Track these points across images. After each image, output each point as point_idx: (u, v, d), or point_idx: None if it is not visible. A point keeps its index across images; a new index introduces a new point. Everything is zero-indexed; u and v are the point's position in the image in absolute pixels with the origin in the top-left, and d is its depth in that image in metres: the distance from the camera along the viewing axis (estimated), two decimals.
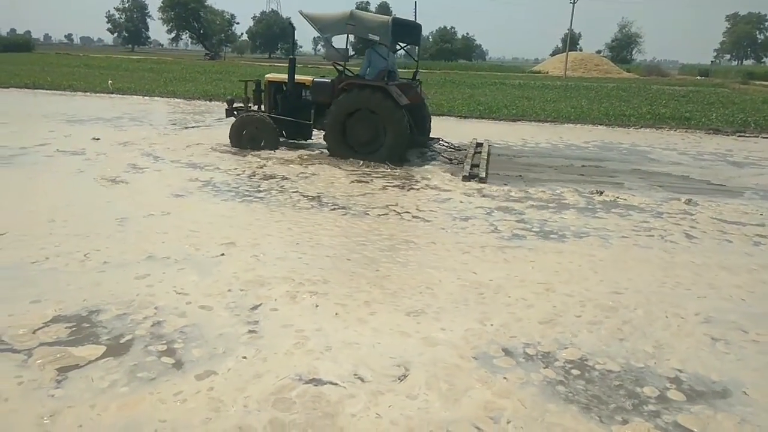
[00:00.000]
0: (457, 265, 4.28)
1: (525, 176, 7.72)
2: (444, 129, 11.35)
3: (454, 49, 74.37)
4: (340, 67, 8.52)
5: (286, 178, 6.97)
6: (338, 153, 8.20)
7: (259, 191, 6.32)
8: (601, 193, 6.74)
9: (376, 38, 8.00)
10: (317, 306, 3.48)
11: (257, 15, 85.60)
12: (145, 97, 16.69)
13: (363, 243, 4.69)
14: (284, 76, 8.90)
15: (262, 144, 8.58)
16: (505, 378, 2.79)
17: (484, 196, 6.53)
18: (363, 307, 3.50)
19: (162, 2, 72.03)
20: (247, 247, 4.47)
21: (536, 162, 8.90)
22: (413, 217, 5.55)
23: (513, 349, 3.08)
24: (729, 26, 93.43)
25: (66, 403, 2.48)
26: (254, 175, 7.09)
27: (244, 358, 2.87)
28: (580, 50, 66.72)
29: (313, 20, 8.34)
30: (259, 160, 7.98)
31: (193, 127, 11.36)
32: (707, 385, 2.81)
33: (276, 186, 6.57)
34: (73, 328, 3.11)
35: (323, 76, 9.16)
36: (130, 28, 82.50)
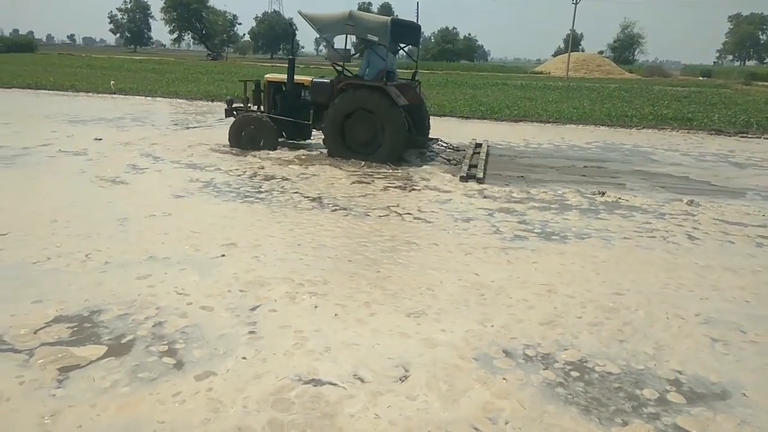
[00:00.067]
0: (459, 266, 4.28)
1: (527, 177, 7.71)
2: (446, 129, 11.35)
3: (456, 49, 74.38)
4: (338, 68, 8.54)
5: (287, 179, 6.98)
6: (337, 153, 8.22)
7: (261, 192, 6.33)
8: (603, 193, 6.73)
9: (375, 39, 8.02)
10: (316, 307, 3.49)
11: (259, 15, 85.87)
12: (147, 98, 16.73)
13: (365, 244, 4.69)
14: (283, 77, 8.92)
15: (261, 144, 8.59)
16: (504, 379, 2.79)
17: (485, 197, 6.53)
18: (363, 308, 3.50)
19: (164, 3, 72.22)
20: (248, 248, 4.48)
21: (538, 163, 8.90)
22: (415, 218, 5.55)
23: (513, 350, 3.08)
24: (731, 27, 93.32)
25: (67, 402, 2.48)
26: (255, 176, 7.10)
27: (244, 358, 2.88)
28: (582, 51, 66.74)
29: (312, 20, 8.36)
30: (259, 160, 7.99)
31: (194, 127, 11.39)
32: (707, 387, 2.81)
33: (277, 187, 6.58)
34: (75, 328, 3.12)
35: (322, 77, 9.17)
36: (133, 29, 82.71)
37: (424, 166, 8.12)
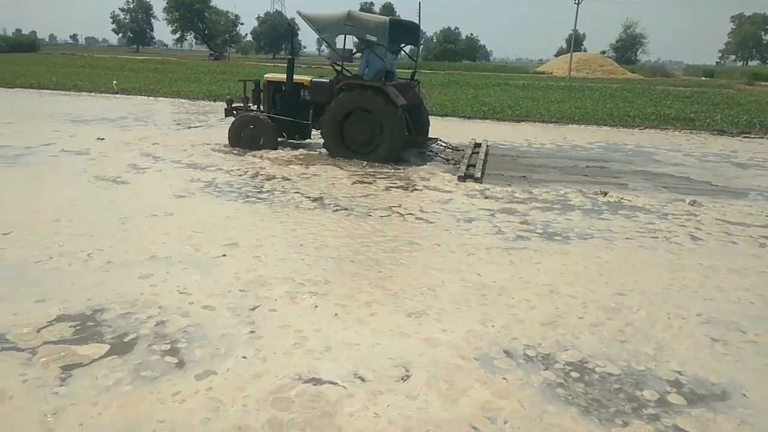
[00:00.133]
0: (462, 266, 4.28)
1: (529, 177, 7.71)
2: (448, 129, 11.36)
3: (458, 49, 74.36)
4: (338, 67, 8.56)
5: (288, 179, 6.99)
6: (336, 153, 8.24)
7: (262, 192, 6.34)
8: (606, 193, 6.72)
9: (374, 39, 8.04)
10: (316, 306, 3.49)
11: (261, 15, 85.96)
12: (150, 98, 16.76)
13: (367, 244, 4.69)
14: (283, 76, 8.95)
15: (261, 143, 8.61)
16: (504, 379, 2.80)
17: (487, 197, 6.52)
18: (363, 307, 3.51)
19: (167, 3, 72.33)
20: (250, 247, 4.49)
21: (540, 163, 8.89)
22: (417, 218, 5.55)
23: (513, 350, 3.08)
24: (734, 27, 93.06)
25: (69, 400, 2.50)
26: (257, 176, 7.11)
27: (244, 357, 2.88)
28: (585, 51, 66.66)
29: (311, 21, 8.39)
30: (259, 160, 8.00)
31: (196, 127, 11.41)
32: (707, 388, 2.81)
33: (278, 187, 6.59)
34: (77, 327, 3.13)
35: (321, 76, 9.19)
36: (135, 29, 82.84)
37: (424, 166, 8.13)
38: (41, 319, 3.18)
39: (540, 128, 13.24)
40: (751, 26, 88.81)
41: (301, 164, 7.87)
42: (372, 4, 79.28)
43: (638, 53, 75.76)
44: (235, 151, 8.54)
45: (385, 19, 8.08)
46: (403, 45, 9.41)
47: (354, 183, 6.96)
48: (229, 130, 8.86)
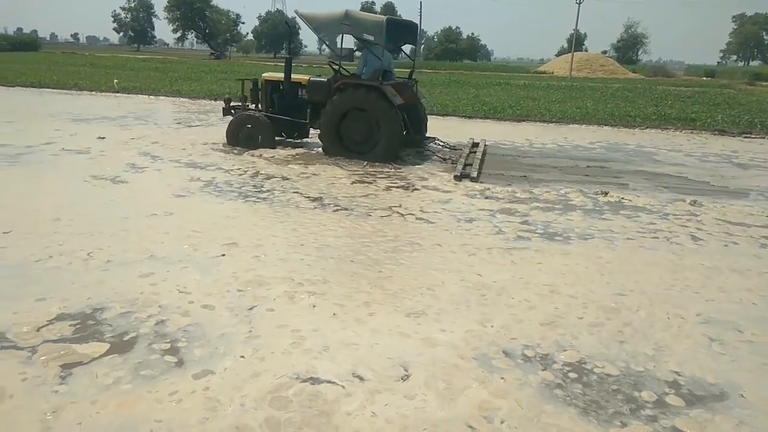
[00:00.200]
0: (462, 266, 4.28)
1: (529, 177, 7.71)
2: (448, 129, 11.36)
3: (459, 49, 74.31)
4: (335, 67, 8.58)
5: (287, 179, 6.99)
6: (333, 152, 8.25)
7: (262, 191, 6.34)
8: (606, 193, 6.72)
9: (371, 38, 8.04)
10: (314, 306, 3.49)
11: (262, 15, 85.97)
12: (151, 97, 16.77)
13: (367, 244, 4.69)
14: (281, 76, 8.97)
15: (259, 142, 8.63)
16: (502, 378, 2.80)
17: (487, 197, 6.52)
18: (362, 307, 3.51)
19: (168, 2, 72.40)
20: (250, 247, 4.49)
21: (541, 162, 8.89)
22: (417, 218, 5.55)
23: (512, 350, 3.08)
24: (735, 27, 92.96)
25: (69, 399, 2.50)
26: (257, 175, 7.11)
27: (242, 357, 2.89)
28: (586, 51, 66.57)
29: (308, 20, 8.40)
30: (259, 159, 8.01)
31: (197, 126, 11.41)
32: (706, 389, 2.80)
33: (278, 186, 6.59)
34: (78, 326, 3.13)
35: (319, 75, 9.20)
36: (136, 28, 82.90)
37: (422, 165, 8.13)
38: (41, 318, 3.19)
39: (541, 128, 13.23)
40: (752, 26, 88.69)
41: (300, 164, 7.87)
42: (373, 3, 79.24)
43: (639, 53, 75.83)
44: (234, 151, 8.54)
45: (383, 18, 8.09)
46: (401, 44, 9.43)
47: (354, 183, 6.96)
48: (227, 129, 8.89)
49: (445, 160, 8.44)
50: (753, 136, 12.72)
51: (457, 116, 14.56)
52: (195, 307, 3.41)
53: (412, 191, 6.72)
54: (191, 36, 79.34)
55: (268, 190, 6.38)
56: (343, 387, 2.66)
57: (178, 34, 76.85)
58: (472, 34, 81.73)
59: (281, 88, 8.92)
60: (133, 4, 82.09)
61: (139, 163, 7.56)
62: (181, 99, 16.63)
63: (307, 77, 9.00)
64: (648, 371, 2.93)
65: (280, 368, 2.79)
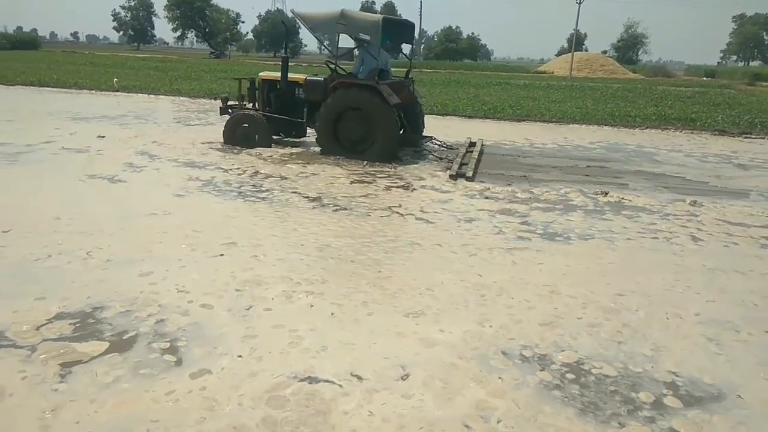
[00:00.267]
0: (463, 267, 4.28)
1: (529, 177, 7.71)
2: (448, 129, 11.36)
3: (459, 48, 74.23)
4: (332, 66, 8.58)
5: (286, 178, 6.99)
6: (330, 151, 8.26)
7: (261, 191, 6.34)
8: (606, 193, 6.72)
9: (367, 38, 8.04)
10: (312, 306, 3.49)
11: (262, 14, 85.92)
12: (150, 96, 16.75)
13: (368, 245, 4.69)
14: (278, 75, 8.97)
15: (256, 141, 8.64)
16: (500, 378, 2.80)
17: (487, 197, 6.52)
18: (361, 307, 3.51)
19: (168, 1, 72.25)
20: (249, 247, 4.49)
21: (541, 162, 8.89)
22: (417, 218, 5.55)
23: (510, 350, 3.08)
24: (736, 27, 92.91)
25: (68, 397, 2.51)
26: (256, 175, 7.11)
27: (240, 356, 2.89)
28: (586, 50, 66.50)
29: (304, 19, 8.40)
30: (258, 159, 8.01)
31: (196, 124, 11.41)
32: (704, 389, 2.81)
33: (277, 186, 6.59)
34: (77, 325, 3.14)
35: (316, 75, 9.21)
36: (136, 27, 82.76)
37: (419, 165, 8.13)
38: (41, 317, 3.19)
39: (541, 128, 13.23)
40: (752, 26, 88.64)
41: (299, 163, 7.87)
42: (373, 2, 79.21)
43: (639, 53, 75.72)
44: (234, 150, 8.54)
45: (379, 17, 8.07)
46: (399, 44, 9.43)
47: (353, 182, 6.96)
48: (224, 127, 8.92)
49: (441, 159, 8.45)
50: (753, 136, 12.72)
51: (457, 116, 14.55)
52: (194, 307, 3.41)
53: (411, 191, 6.72)
54: (191, 35, 79.21)
55: (267, 190, 6.38)
56: (340, 386, 2.67)
57: (178, 33, 76.76)
58: (473, 33, 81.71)
59: (278, 87, 8.93)
60: (132, 3, 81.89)
61: (138, 162, 7.56)
62: (181, 98, 16.62)
63: (303, 76, 9.01)
64: (646, 372, 2.93)
65: (278, 368, 2.80)
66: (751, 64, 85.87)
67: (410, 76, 9.23)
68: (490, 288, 3.88)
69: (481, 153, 8.93)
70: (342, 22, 8.04)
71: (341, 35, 8.47)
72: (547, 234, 5.19)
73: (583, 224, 5.56)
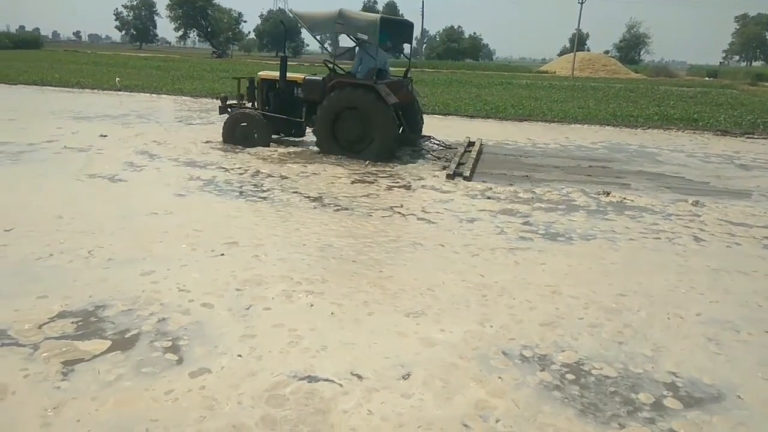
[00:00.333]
0: (465, 267, 4.28)
1: (531, 176, 7.70)
2: (450, 128, 11.35)
3: (461, 48, 74.17)
4: (330, 65, 8.58)
5: (286, 177, 7.00)
6: (328, 151, 8.27)
7: (262, 190, 6.34)
8: (608, 193, 6.72)
9: (365, 37, 8.04)
10: (312, 305, 3.50)
11: (264, 13, 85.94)
12: (153, 95, 16.77)
13: (369, 244, 4.69)
14: (276, 74, 8.98)
15: (255, 140, 8.66)
16: (500, 378, 2.80)
17: (489, 197, 6.52)
18: (361, 307, 3.51)
19: (170, 0, 72.30)
20: (250, 246, 4.50)
21: (543, 162, 8.88)
22: (418, 218, 5.55)
23: (510, 350, 3.08)
24: (738, 27, 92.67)
25: (70, 395, 2.52)
26: (257, 174, 7.11)
27: (239, 356, 2.90)
28: (588, 50, 66.38)
29: (302, 19, 8.41)
30: (258, 158, 8.02)
31: (197, 124, 11.42)
32: (703, 390, 2.81)
33: (278, 185, 6.59)
34: (80, 323, 3.15)
35: (314, 74, 9.22)
36: (138, 26, 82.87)
37: (417, 165, 8.13)
38: (43, 316, 3.20)
39: (543, 128, 13.21)
40: (755, 27, 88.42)
41: (299, 163, 7.87)
42: (375, 2, 79.19)
43: (642, 53, 75.59)
44: (236, 149, 8.55)
45: (376, 17, 8.06)
46: (399, 43, 9.44)
47: (354, 182, 6.97)
48: (224, 126, 8.96)
49: (439, 158, 8.44)
50: (755, 136, 12.69)
51: (458, 116, 14.54)
52: (195, 306, 3.42)
53: (413, 191, 6.72)
54: (193, 34, 79.26)
55: (267, 189, 6.39)
56: (340, 385, 2.67)
57: (180, 33, 76.78)
58: (475, 33, 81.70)
59: (277, 86, 8.95)
60: (135, 3, 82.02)
61: (139, 161, 7.57)
62: (183, 97, 16.64)
63: (302, 76, 9.02)
64: (646, 372, 2.93)
65: (277, 367, 2.80)
66: (754, 64, 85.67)
67: (409, 76, 9.23)
68: (492, 288, 3.88)
69: (480, 153, 8.93)
70: (340, 21, 8.04)
71: (340, 35, 8.48)
72: (549, 234, 5.19)
73: (586, 224, 5.56)
